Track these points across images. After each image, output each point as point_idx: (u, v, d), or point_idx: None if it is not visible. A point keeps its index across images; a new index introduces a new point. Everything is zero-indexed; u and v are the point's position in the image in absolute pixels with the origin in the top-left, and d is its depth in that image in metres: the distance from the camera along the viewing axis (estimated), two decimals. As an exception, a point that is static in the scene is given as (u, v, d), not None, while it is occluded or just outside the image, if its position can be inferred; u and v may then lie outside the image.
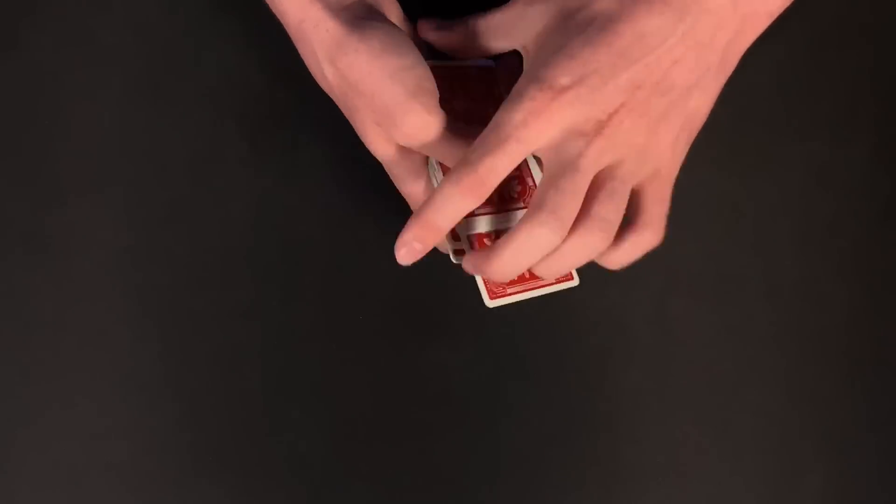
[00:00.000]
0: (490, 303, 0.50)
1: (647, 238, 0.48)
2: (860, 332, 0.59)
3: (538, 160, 0.52)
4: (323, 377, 0.58)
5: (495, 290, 0.50)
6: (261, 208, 0.58)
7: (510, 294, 0.51)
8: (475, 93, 0.52)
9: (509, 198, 0.51)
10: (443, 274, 0.55)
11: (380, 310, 0.58)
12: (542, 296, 0.51)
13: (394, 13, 0.51)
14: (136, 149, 0.57)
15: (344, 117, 0.51)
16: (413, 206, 0.53)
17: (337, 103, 0.51)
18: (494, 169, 0.44)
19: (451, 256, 0.51)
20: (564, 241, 0.45)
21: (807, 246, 0.59)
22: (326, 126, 0.57)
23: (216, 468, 0.58)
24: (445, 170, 0.50)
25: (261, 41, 0.58)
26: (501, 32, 0.50)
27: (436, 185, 0.51)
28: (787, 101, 0.59)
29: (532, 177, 0.52)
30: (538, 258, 0.46)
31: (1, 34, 0.58)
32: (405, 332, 0.58)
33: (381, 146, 0.50)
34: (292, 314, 0.58)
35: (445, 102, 0.49)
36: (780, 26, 0.58)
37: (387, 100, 0.46)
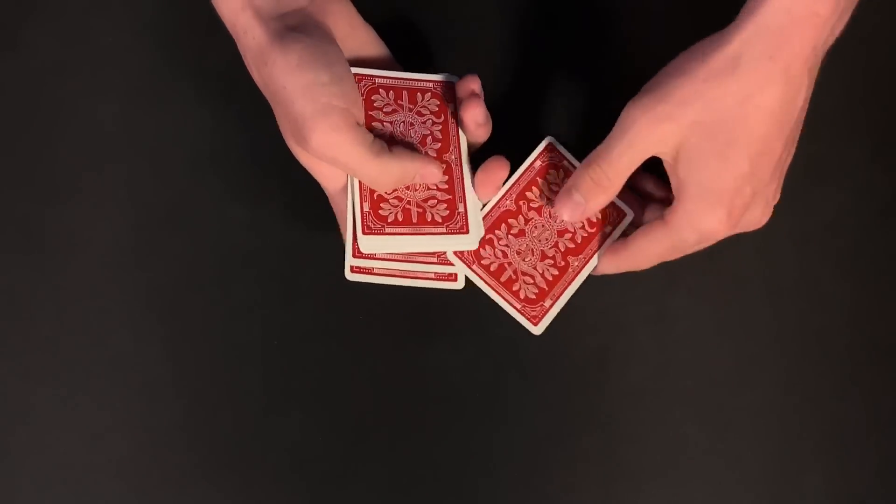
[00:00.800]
0: (363, 240, 0.51)
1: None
2: (860, 332, 0.59)
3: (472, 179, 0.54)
4: (323, 377, 0.58)
5: (371, 226, 0.51)
6: (261, 208, 0.58)
7: (387, 234, 0.51)
8: (425, 108, 0.53)
9: (432, 220, 0.52)
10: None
11: (380, 310, 0.58)
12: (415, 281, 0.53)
13: (342, 23, 0.51)
14: (137, 149, 0.57)
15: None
16: (337, 215, 0.53)
17: None
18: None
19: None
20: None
21: (807, 246, 0.59)
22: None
23: (216, 467, 0.58)
24: (365, 191, 0.51)
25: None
26: (626, 168, 0.50)
27: (352, 200, 0.51)
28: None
29: (465, 202, 0.52)
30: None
31: (1, 34, 0.58)
32: (405, 332, 0.58)
33: (299, 155, 0.51)
34: (292, 314, 0.58)
35: (386, 116, 0.51)
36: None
37: (296, 114, 0.47)
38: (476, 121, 0.52)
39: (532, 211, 0.54)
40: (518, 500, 0.58)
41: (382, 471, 0.58)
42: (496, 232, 0.54)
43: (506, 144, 0.55)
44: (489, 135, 0.53)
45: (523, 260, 0.54)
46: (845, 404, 0.58)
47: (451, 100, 0.53)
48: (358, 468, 0.58)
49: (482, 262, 0.53)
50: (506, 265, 0.53)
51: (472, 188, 0.53)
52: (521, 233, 0.54)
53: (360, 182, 0.51)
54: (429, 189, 0.52)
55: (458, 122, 0.53)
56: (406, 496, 0.58)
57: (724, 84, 0.45)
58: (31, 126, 0.58)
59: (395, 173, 0.50)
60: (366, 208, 0.50)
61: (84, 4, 0.59)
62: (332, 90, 0.47)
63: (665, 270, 0.58)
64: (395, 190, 0.51)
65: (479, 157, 0.54)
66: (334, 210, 0.53)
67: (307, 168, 0.52)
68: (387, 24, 0.55)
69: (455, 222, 0.52)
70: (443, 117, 0.53)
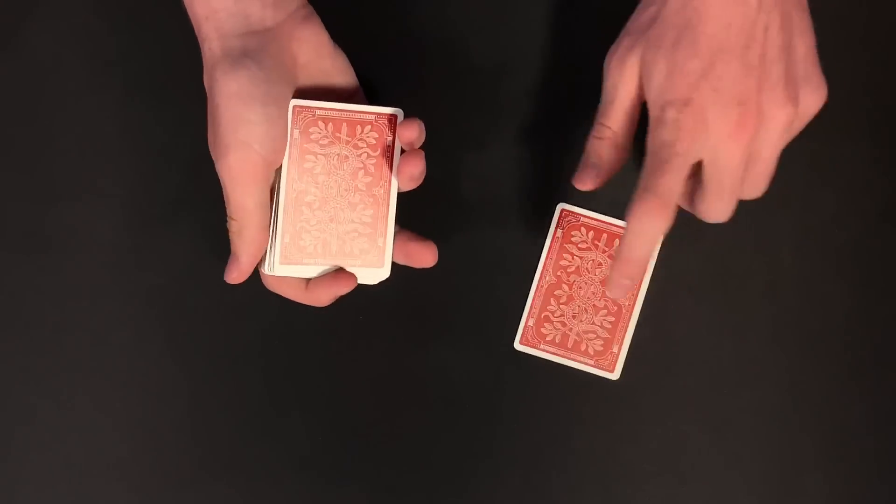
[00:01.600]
0: (279, 269, 0.53)
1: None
2: (860, 332, 0.59)
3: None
4: (323, 377, 0.58)
5: (289, 256, 0.53)
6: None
7: (306, 261, 0.53)
8: (363, 140, 0.53)
9: (350, 252, 0.54)
10: (442, 274, 0.55)
11: (380, 310, 0.58)
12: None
13: (307, 49, 0.52)
14: (136, 149, 0.57)
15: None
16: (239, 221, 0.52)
17: None
18: (671, 187, 0.47)
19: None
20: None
21: (807, 245, 0.59)
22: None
23: (216, 467, 0.58)
24: (288, 220, 0.52)
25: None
26: (633, 109, 0.51)
27: (273, 224, 0.53)
28: (787, 101, 0.58)
29: (385, 237, 0.54)
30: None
31: (1, 34, 0.58)
32: (405, 332, 0.58)
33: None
34: (292, 314, 0.58)
35: (322, 148, 0.52)
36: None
37: (218, 134, 0.49)
38: (412, 175, 0.52)
39: (572, 275, 0.58)
40: (518, 500, 0.58)
41: (382, 471, 0.58)
42: (548, 307, 0.58)
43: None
44: (419, 184, 0.53)
45: (580, 321, 0.58)
46: (845, 404, 0.58)
47: (391, 133, 0.54)
48: (358, 468, 0.58)
49: (547, 339, 0.58)
50: (567, 332, 0.58)
51: (393, 225, 0.54)
52: (570, 298, 0.58)
53: (284, 211, 0.52)
54: (352, 222, 0.53)
55: (393, 167, 0.54)
56: (406, 496, 0.58)
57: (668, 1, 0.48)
58: (31, 126, 0.58)
59: (262, 242, 0.52)
60: (286, 239, 0.52)
61: (84, 4, 0.59)
62: (254, 130, 0.49)
63: (665, 270, 0.58)
64: (318, 222, 0.53)
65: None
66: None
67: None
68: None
69: (371, 255, 0.54)
70: (378, 151, 0.54)
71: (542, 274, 0.58)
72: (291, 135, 0.52)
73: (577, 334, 0.58)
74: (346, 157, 0.53)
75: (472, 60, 0.59)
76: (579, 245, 0.58)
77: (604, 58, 0.51)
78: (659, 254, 0.58)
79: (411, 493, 0.58)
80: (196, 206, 0.58)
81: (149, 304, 0.58)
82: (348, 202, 0.53)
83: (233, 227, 0.51)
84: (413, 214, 0.55)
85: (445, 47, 0.59)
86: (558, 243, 0.58)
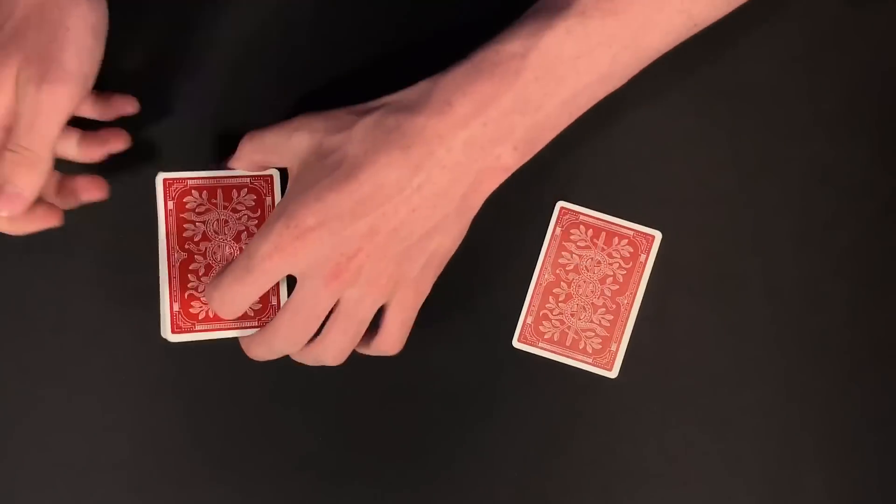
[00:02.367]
0: (172, 337, 0.55)
1: (383, 348, 0.53)
2: (860, 332, 0.59)
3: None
4: (323, 377, 0.58)
5: (181, 325, 0.55)
6: (261, 208, 0.58)
7: (198, 331, 0.56)
8: (241, 203, 0.55)
9: (245, 315, 0.55)
10: (442, 274, 0.55)
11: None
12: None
13: (80, 25, 0.50)
14: (136, 148, 0.57)
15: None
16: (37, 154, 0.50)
17: None
18: (240, 295, 0.50)
19: None
20: (304, 350, 0.53)
21: (807, 246, 0.59)
22: (326, 126, 0.57)
23: (216, 467, 0.58)
24: (173, 286, 0.55)
25: (261, 41, 0.58)
26: (271, 150, 0.53)
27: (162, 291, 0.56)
28: (787, 101, 0.58)
29: (278, 295, 0.56)
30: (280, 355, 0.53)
31: (1, 34, 0.58)
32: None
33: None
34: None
35: (199, 216, 0.55)
36: (781, 26, 0.58)
37: (54, 64, 0.48)
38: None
39: (570, 273, 0.58)
40: (518, 500, 0.58)
41: (382, 471, 0.58)
42: (546, 305, 0.58)
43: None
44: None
45: (579, 319, 0.58)
46: (845, 404, 0.58)
47: (268, 193, 0.56)
48: (358, 468, 0.58)
49: (545, 337, 0.57)
50: (566, 330, 0.57)
51: (285, 282, 0.56)
52: (569, 297, 0.58)
53: (169, 281, 0.55)
54: None
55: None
56: (406, 496, 0.58)
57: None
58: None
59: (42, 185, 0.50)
60: (175, 308, 0.55)
61: (84, 4, 0.59)
62: (93, 67, 0.49)
63: (665, 270, 0.58)
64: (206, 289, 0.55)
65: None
66: None
67: None
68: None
69: (267, 314, 0.56)
70: (259, 212, 0.56)
71: (540, 272, 0.58)
72: (166, 206, 0.54)
73: (576, 332, 0.58)
74: (227, 221, 0.55)
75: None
76: (578, 243, 0.58)
77: None
78: (659, 253, 0.58)
79: (411, 493, 0.58)
80: (196, 206, 0.58)
81: (149, 304, 0.58)
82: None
83: (24, 158, 0.48)
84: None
85: (445, 47, 0.59)
86: (557, 241, 0.58)
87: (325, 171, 0.49)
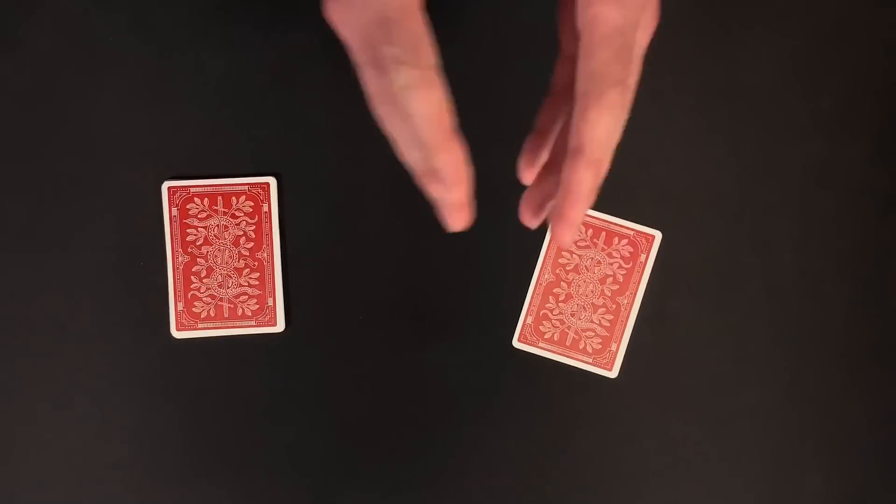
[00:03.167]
0: (177, 334, 0.57)
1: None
2: (860, 332, 0.59)
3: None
4: (323, 377, 0.58)
5: (185, 322, 0.57)
6: (261, 208, 0.58)
7: (200, 329, 0.57)
8: (240, 210, 0.57)
9: (244, 315, 0.57)
10: (442, 274, 0.55)
11: (379, 308, 0.58)
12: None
13: None
14: (137, 149, 0.57)
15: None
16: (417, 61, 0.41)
17: None
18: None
19: None
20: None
21: (806, 245, 0.59)
22: (325, 126, 0.58)
23: (216, 468, 0.58)
24: (177, 286, 0.57)
25: (260, 41, 0.58)
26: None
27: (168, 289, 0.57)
28: (786, 102, 0.59)
29: (275, 297, 0.57)
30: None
31: (1, 34, 0.58)
32: (405, 332, 0.58)
33: None
34: (292, 314, 0.58)
35: (201, 221, 0.56)
36: (780, 26, 0.59)
37: None
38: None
39: (570, 273, 0.58)
40: (517, 500, 0.58)
41: (382, 470, 0.58)
42: (546, 305, 0.58)
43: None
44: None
45: (578, 319, 0.58)
46: (845, 404, 0.58)
47: (265, 200, 0.57)
48: (358, 468, 0.58)
49: (545, 337, 0.58)
50: (566, 330, 0.58)
51: (281, 284, 0.58)
52: (569, 297, 0.58)
53: (174, 282, 0.57)
54: (241, 286, 0.57)
55: (273, 232, 0.56)
56: (406, 496, 0.58)
57: None
58: (31, 126, 0.58)
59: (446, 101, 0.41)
60: (179, 307, 0.57)
61: (84, 4, 0.59)
62: None
63: (665, 271, 0.58)
64: (209, 287, 0.57)
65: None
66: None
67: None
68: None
69: (264, 315, 0.57)
70: (256, 217, 0.57)
71: (540, 272, 0.58)
72: (170, 213, 0.57)
73: (576, 332, 0.58)
74: (226, 226, 0.57)
75: (472, 59, 0.59)
76: (578, 243, 0.58)
77: None
78: (659, 253, 0.58)
79: (411, 493, 0.58)
80: (196, 206, 0.58)
81: (149, 304, 0.58)
82: (234, 268, 0.57)
83: (405, 77, 0.37)
84: (413, 213, 0.55)
85: (445, 47, 0.59)
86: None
87: None
